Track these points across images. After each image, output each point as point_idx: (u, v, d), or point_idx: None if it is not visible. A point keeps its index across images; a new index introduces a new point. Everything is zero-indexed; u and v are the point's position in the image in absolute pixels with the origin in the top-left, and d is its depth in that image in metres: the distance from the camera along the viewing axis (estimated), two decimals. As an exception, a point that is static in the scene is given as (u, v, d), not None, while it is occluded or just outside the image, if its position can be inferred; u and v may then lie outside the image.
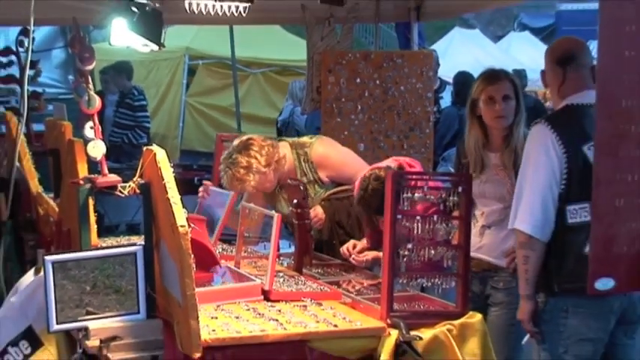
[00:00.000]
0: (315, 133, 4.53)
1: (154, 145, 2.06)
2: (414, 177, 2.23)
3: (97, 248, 2.20)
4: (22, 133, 3.01)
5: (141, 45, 2.82)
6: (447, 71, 6.27)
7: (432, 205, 2.19)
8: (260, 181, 2.79)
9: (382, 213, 2.18)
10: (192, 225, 1.99)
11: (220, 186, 2.94)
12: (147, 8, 2.66)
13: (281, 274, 2.56)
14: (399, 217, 2.14)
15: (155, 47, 2.81)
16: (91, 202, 2.24)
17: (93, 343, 1.97)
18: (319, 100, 4.13)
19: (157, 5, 2.81)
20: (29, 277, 2.40)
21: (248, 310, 2.22)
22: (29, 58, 3.11)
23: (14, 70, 3.70)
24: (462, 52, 10.07)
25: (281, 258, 2.81)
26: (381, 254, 2.28)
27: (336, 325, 2.11)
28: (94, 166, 2.33)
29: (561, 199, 2.26)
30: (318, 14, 4.04)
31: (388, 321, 2.12)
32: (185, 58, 8.77)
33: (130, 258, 2.04)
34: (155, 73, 8.92)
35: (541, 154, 2.27)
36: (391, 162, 2.61)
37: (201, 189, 3.01)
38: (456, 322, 2.15)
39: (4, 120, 3.60)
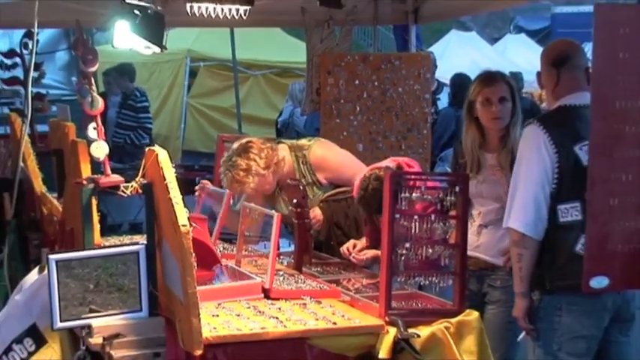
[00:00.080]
0: (314, 133, 4.57)
1: (156, 145, 2.09)
2: (412, 177, 2.25)
3: (100, 247, 2.22)
4: (26, 134, 3.04)
5: (143, 47, 2.85)
6: (444, 73, 6.29)
7: (430, 204, 2.21)
8: (259, 183, 2.81)
9: (382, 212, 2.20)
10: (193, 224, 2.01)
11: (221, 186, 2.97)
12: (149, 11, 2.68)
13: (281, 273, 2.58)
14: (397, 216, 2.16)
15: (157, 49, 2.83)
16: (94, 201, 2.26)
17: (96, 340, 2.00)
18: (319, 102, 4.15)
19: (159, 8, 2.85)
20: (33, 275, 2.40)
21: (248, 308, 2.24)
22: (33, 60, 3.14)
23: (18, 72, 3.73)
24: (459, 54, 10.07)
25: (281, 257, 2.83)
26: (379, 253, 2.30)
27: (335, 323, 2.13)
28: (97, 166, 2.34)
29: (553, 198, 2.29)
30: (317, 17, 4.06)
31: (386, 319, 2.14)
32: (187, 60, 8.80)
33: (132, 257, 2.06)
34: (157, 74, 8.95)
35: (533, 154, 2.29)
36: (390, 162, 2.63)
37: (197, 187, 3.02)
38: (453, 319, 2.17)
39: (8, 121, 3.63)
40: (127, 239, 2.92)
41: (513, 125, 2.67)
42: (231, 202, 2.97)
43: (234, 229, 2.95)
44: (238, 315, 2.17)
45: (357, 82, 4.07)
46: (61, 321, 2.02)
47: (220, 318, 2.13)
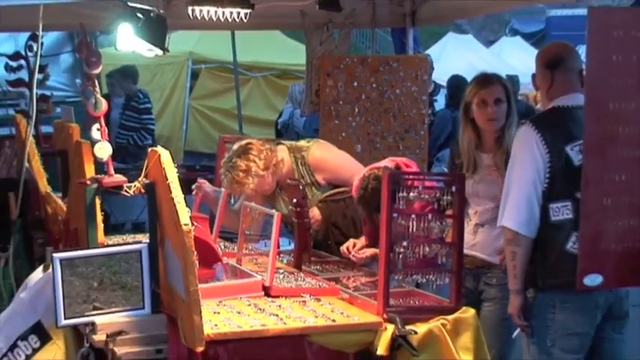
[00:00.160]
0: (313, 134, 4.60)
1: (159, 146, 2.11)
2: (410, 177, 2.27)
3: (104, 246, 2.24)
4: (31, 135, 3.07)
5: (146, 50, 2.88)
6: (441, 75, 6.33)
7: (427, 204, 2.23)
8: (259, 184, 2.83)
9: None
10: (195, 223, 2.05)
11: (221, 187, 2.99)
12: (151, 14, 2.71)
13: (281, 271, 2.61)
14: (395, 215, 2.18)
15: (159, 52, 2.86)
16: (97, 201, 2.28)
17: (100, 337, 2.02)
18: (318, 103, 4.17)
19: (162, 11, 2.88)
20: (38, 273, 2.42)
21: (249, 305, 2.27)
22: (38, 63, 3.18)
23: (23, 74, 3.74)
24: (456, 56, 10.08)
25: (281, 255, 2.85)
26: (378, 251, 2.32)
27: (334, 320, 2.16)
28: (100, 166, 2.37)
29: (544, 197, 2.31)
30: (316, 20, 4.09)
31: (384, 316, 2.16)
32: (188, 63, 8.82)
33: (135, 255, 2.08)
34: (160, 76, 8.98)
35: (526, 154, 2.32)
36: (388, 162, 2.65)
37: (194, 186, 3.04)
38: (450, 317, 2.19)
39: (13, 122, 3.66)
40: (129, 238, 2.94)
41: (509, 126, 2.70)
42: (232, 201, 3.01)
43: (231, 228, 2.99)
44: (239, 312, 2.19)
45: (355, 83, 4.09)
46: (65, 318, 2.05)
47: (221, 315, 2.16)
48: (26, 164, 3.12)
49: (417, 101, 4.15)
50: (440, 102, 5.95)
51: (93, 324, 2.04)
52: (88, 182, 2.31)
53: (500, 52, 11.86)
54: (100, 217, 2.31)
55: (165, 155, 2.04)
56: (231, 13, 3.36)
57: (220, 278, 2.46)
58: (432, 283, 2.26)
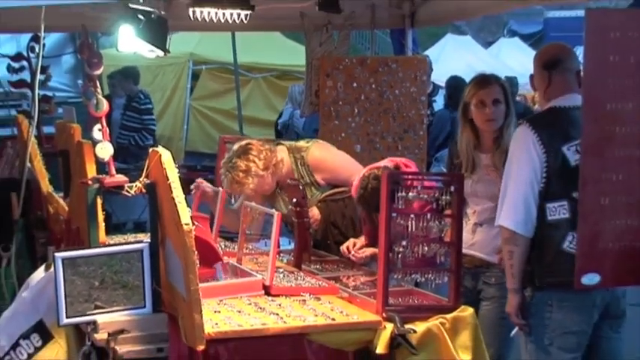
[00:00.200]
0: (313, 135, 4.62)
1: (160, 146, 2.12)
2: (409, 177, 2.29)
3: (105, 245, 2.25)
4: (33, 135, 3.08)
5: (147, 51, 2.90)
6: (439, 76, 6.35)
7: (426, 203, 2.24)
8: (258, 184, 2.85)
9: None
10: (195, 223, 2.06)
11: (222, 187, 3.01)
12: (152, 16, 2.73)
13: (281, 270, 2.62)
14: (395, 215, 2.19)
15: (160, 53, 2.88)
16: (99, 201, 2.29)
17: (101, 336, 2.03)
18: (317, 104, 4.19)
19: (163, 13, 2.90)
20: (40, 273, 2.42)
21: (249, 304, 2.28)
22: (40, 64, 3.19)
23: (25, 75, 3.75)
24: (454, 57, 10.12)
25: (281, 254, 2.87)
26: (378, 251, 2.34)
27: (333, 319, 2.17)
28: (102, 166, 2.38)
29: (541, 196, 2.33)
30: (316, 21, 4.11)
31: (384, 315, 2.17)
32: (189, 64, 8.85)
33: (136, 255, 2.09)
34: (161, 77, 9.01)
35: (523, 154, 2.34)
36: (388, 162, 2.66)
37: (193, 186, 3.05)
38: (449, 315, 2.20)
39: (16, 122, 3.67)
40: (131, 238, 2.97)
41: (507, 126, 2.71)
42: (233, 201, 3.03)
43: (230, 228, 3.00)
44: (239, 311, 2.21)
45: (354, 84, 4.11)
46: (67, 317, 2.06)
47: (222, 314, 2.17)
48: (28, 164, 3.13)
49: (416, 102, 4.17)
50: (439, 102, 5.97)
51: (94, 323, 2.05)
52: (90, 182, 2.32)
53: (498, 53, 11.91)
54: (101, 216, 2.32)
55: (166, 155, 2.05)
56: (232, 14, 3.38)
57: (221, 277, 2.47)
58: (431, 283, 2.28)
